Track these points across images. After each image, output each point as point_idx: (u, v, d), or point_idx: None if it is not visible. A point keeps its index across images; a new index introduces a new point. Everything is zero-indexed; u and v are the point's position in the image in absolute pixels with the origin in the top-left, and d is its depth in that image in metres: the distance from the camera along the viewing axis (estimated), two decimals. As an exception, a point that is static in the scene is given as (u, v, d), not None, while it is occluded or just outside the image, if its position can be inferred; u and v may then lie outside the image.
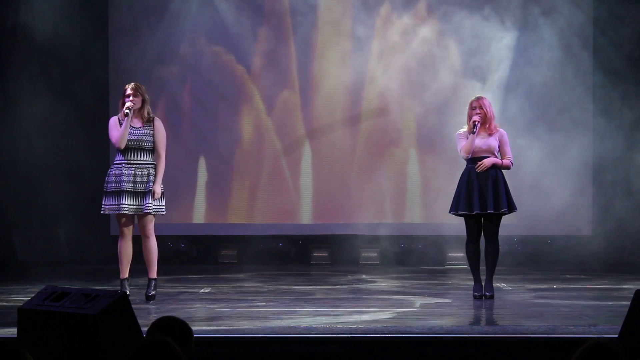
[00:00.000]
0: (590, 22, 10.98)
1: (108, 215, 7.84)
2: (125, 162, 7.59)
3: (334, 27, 11.18)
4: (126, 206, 7.52)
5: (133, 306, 4.80)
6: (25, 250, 10.84)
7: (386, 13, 11.19)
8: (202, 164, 11.36)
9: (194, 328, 4.00)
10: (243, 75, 11.34)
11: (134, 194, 7.55)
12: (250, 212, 11.38)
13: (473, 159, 7.81)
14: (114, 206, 7.55)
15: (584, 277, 9.74)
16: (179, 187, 11.10)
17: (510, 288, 8.78)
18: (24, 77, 10.78)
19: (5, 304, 7.60)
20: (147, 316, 6.84)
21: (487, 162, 7.76)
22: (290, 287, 8.94)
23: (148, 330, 3.93)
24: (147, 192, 7.57)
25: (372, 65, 11.28)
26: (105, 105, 11.11)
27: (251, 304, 7.62)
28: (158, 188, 7.61)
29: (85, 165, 10.84)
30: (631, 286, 8.47)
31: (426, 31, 11.13)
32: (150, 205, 7.55)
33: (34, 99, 10.78)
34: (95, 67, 11.00)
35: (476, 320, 7.04)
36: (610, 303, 7.68)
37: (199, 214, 11.39)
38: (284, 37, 11.27)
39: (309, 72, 11.33)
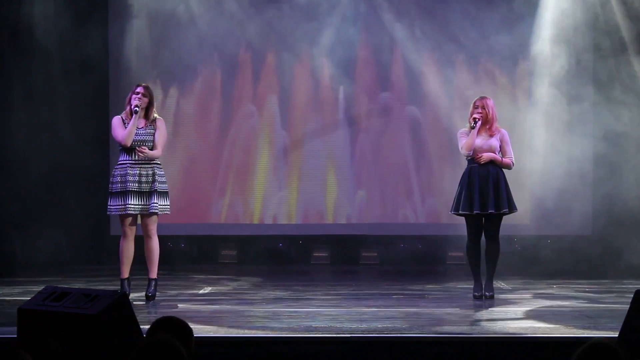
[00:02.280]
0: (591, 16, 10.91)
1: (108, 215, 7.85)
2: (130, 162, 7.62)
3: (334, 28, 11.14)
4: (132, 206, 7.54)
5: (133, 306, 4.81)
6: (25, 250, 10.84)
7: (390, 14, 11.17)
8: (201, 163, 11.35)
9: (194, 328, 4.00)
10: (244, 73, 11.32)
11: (139, 193, 7.58)
12: (250, 212, 11.37)
13: (474, 159, 7.81)
14: (120, 206, 7.57)
15: (583, 277, 9.73)
16: (178, 188, 11.08)
17: (510, 288, 8.78)
18: (22, 76, 10.78)
19: (5, 303, 7.60)
20: (147, 316, 6.84)
21: (487, 155, 7.77)
22: (290, 287, 8.93)
23: (148, 330, 3.93)
24: (152, 192, 7.60)
25: (372, 64, 11.26)
26: (105, 104, 11.10)
27: (251, 304, 7.62)
28: (145, 149, 7.60)
29: (85, 164, 10.83)
30: (631, 286, 8.47)
31: (423, 27, 11.10)
32: (156, 205, 7.58)
33: (33, 98, 10.78)
34: (95, 65, 10.98)
35: (476, 320, 7.04)
36: (610, 303, 7.68)
37: (200, 214, 11.38)
38: (287, 36, 11.23)
39: (310, 71, 11.30)
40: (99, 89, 11.07)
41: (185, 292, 8.54)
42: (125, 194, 7.56)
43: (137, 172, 7.60)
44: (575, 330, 6.16)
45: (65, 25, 10.73)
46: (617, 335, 5.05)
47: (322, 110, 11.35)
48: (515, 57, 11.04)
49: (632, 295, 4.95)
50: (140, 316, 4.97)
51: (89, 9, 11.05)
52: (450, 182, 9.77)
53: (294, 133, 11.37)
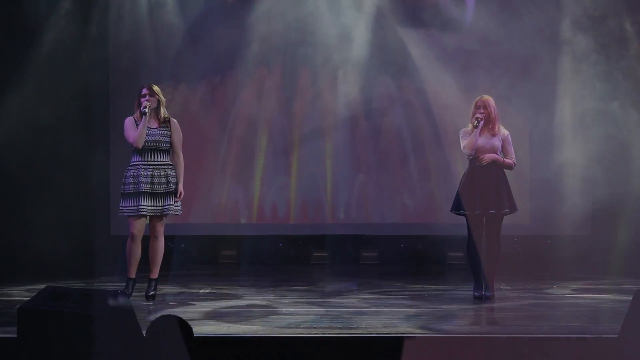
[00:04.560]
0: (589, 15, 10.91)
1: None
2: (143, 163, 7.61)
3: (334, 17, 11.12)
4: (145, 207, 7.52)
5: (133, 306, 4.81)
6: (25, 250, 10.84)
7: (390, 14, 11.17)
8: (201, 163, 11.35)
9: (194, 328, 4.00)
10: (243, 73, 11.33)
11: (152, 195, 7.56)
12: (250, 212, 11.37)
13: (476, 159, 7.82)
14: (132, 208, 7.54)
15: (583, 277, 9.73)
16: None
17: (510, 288, 8.78)
18: (23, 75, 10.77)
19: (6, 303, 7.60)
20: (147, 316, 6.84)
21: (489, 156, 7.78)
22: (290, 287, 8.94)
23: (148, 329, 3.93)
24: (167, 194, 7.58)
25: (372, 64, 11.26)
26: (105, 105, 11.10)
27: (251, 304, 7.62)
28: (181, 187, 7.65)
29: (86, 164, 10.83)
30: (631, 286, 8.47)
31: (424, 17, 11.10)
32: (171, 206, 7.59)
33: (34, 98, 10.77)
34: (96, 64, 10.98)
35: (476, 320, 7.04)
36: (610, 303, 7.68)
37: (199, 214, 11.38)
38: (287, 37, 11.22)
39: (309, 72, 11.31)
40: (99, 88, 11.07)
41: (185, 292, 8.54)
42: (137, 195, 7.54)
43: (150, 173, 7.59)
44: (575, 330, 6.16)
45: (65, 23, 10.72)
46: (617, 335, 5.05)
47: (323, 111, 11.34)
48: (516, 55, 11.03)
49: (632, 295, 4.95)
50: (140, 316, 4.97)
51: (89, 6, 11.06)
52: (450, 182, 9.77)
53: (295, 133, 11.36)
